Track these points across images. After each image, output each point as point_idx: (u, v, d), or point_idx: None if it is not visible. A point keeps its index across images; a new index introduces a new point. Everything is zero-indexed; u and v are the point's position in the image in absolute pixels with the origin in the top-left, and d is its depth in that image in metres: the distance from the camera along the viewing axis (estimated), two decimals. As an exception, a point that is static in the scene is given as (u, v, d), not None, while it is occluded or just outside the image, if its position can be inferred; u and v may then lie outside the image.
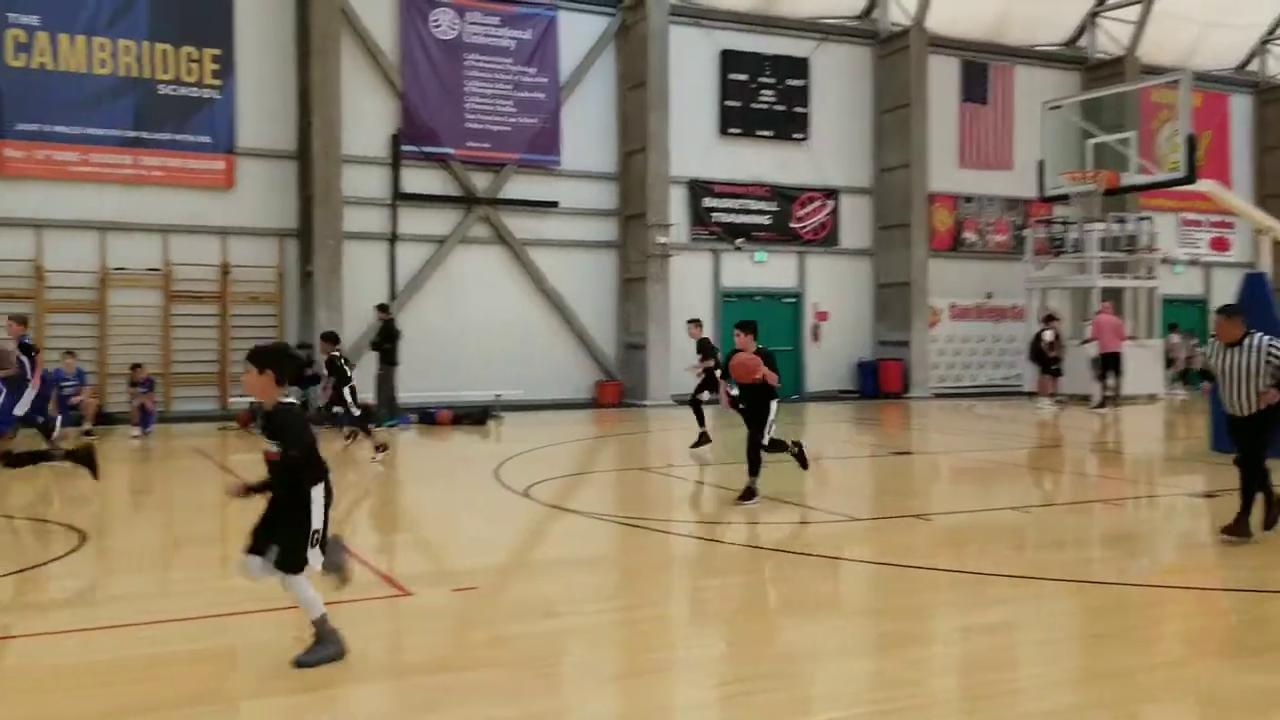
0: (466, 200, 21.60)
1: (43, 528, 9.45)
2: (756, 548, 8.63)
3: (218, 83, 19.80)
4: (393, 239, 21.01)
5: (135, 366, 17.43)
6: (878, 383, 24.94)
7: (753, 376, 9.97)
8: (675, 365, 22.21)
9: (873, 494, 12.14)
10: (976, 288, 26.68)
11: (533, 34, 22.29)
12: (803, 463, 10.87)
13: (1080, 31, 28.21)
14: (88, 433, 16.54)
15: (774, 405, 10.16)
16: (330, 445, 15.32)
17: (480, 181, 21.72)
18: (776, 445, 10.34)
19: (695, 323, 15.31)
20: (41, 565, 7.92)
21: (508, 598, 7.20)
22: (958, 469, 14.00)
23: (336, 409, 14.14)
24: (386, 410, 18.13)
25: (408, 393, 19.18)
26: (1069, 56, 28.08)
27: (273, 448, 5.31)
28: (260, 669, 5.59)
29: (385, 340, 18.44)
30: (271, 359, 5.34)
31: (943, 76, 25.91)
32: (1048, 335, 21.76)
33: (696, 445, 14.08)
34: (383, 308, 18.91)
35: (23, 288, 18.29)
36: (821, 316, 25.28)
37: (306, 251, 19.83)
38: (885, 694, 5.18)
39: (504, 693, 5.09)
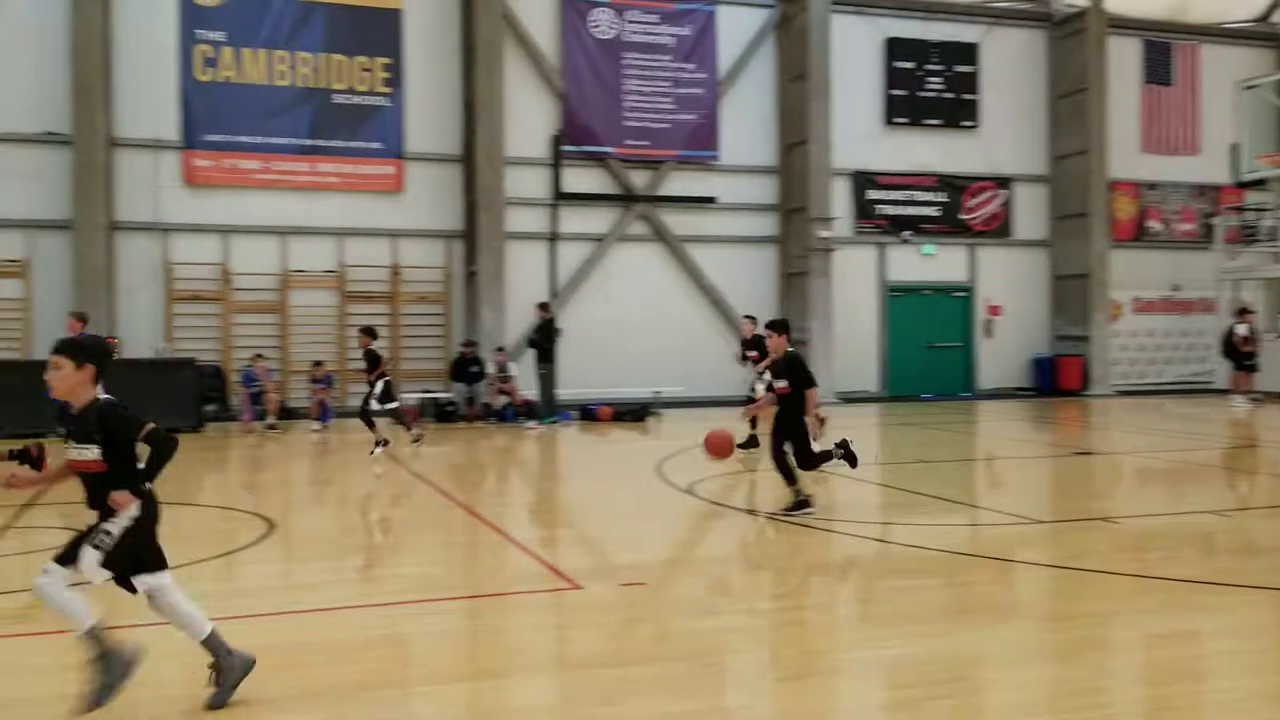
0: (625, 198, 21.72)
1: (234, 516, 9.90)
2: (927, 549, 8.30)
3: (388, 91, 20.49)
4: (553, 238, 21.31)
5: (316, 364, 18.24)
6: (1055, 380, 23.86)
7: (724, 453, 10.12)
8: (840, 362, 21.80)
9: (1052, 496, 11.55)
10: (1161, 279, 25.22)
11: (691, 30, 22.23)
12: (851, 460, 9.68)
13: (1273, 7, 26.27)
14: (271, 426, 17.39)
15: (811, 421, 9.48)
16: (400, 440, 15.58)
17: (639, 179, 21.80)
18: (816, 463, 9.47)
19: (751, 319, 15.32)
20: (234, 552, 8.28)
21: (675, 594, 7.12)
22: (1144, 470, 13.19)
23: (379, 404, 14.05)
24: (546, 407, 18.40)
25: (568, 390, 19.44)
26: (1262, 33, 26.20)
27: (88, 455, 4.54)
28: (431, 657, 5.71)
29: (544, 338, 18.71)
30: (93, 353, 4.67)
31: (1123, 58, 24.59)
32: (1241, 329, 20.40)
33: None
34: (543, 305, 19.19)
35: (211, 289, 19.36)
36: (995, 311, 24.34)
37: (471, 252, 20.30)
38: (1067, 703, 4.86)
39: (676, 688, 5.01)
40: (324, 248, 20.03)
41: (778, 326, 9.47)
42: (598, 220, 21.60)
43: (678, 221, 22.05)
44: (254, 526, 9.12)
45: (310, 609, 6.56)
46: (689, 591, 7.19)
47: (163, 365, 17.66)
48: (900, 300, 23.45)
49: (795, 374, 9.19)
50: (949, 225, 23.95)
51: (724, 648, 5.77)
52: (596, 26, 21.63)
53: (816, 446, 9.35)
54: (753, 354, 14.38)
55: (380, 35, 20.46)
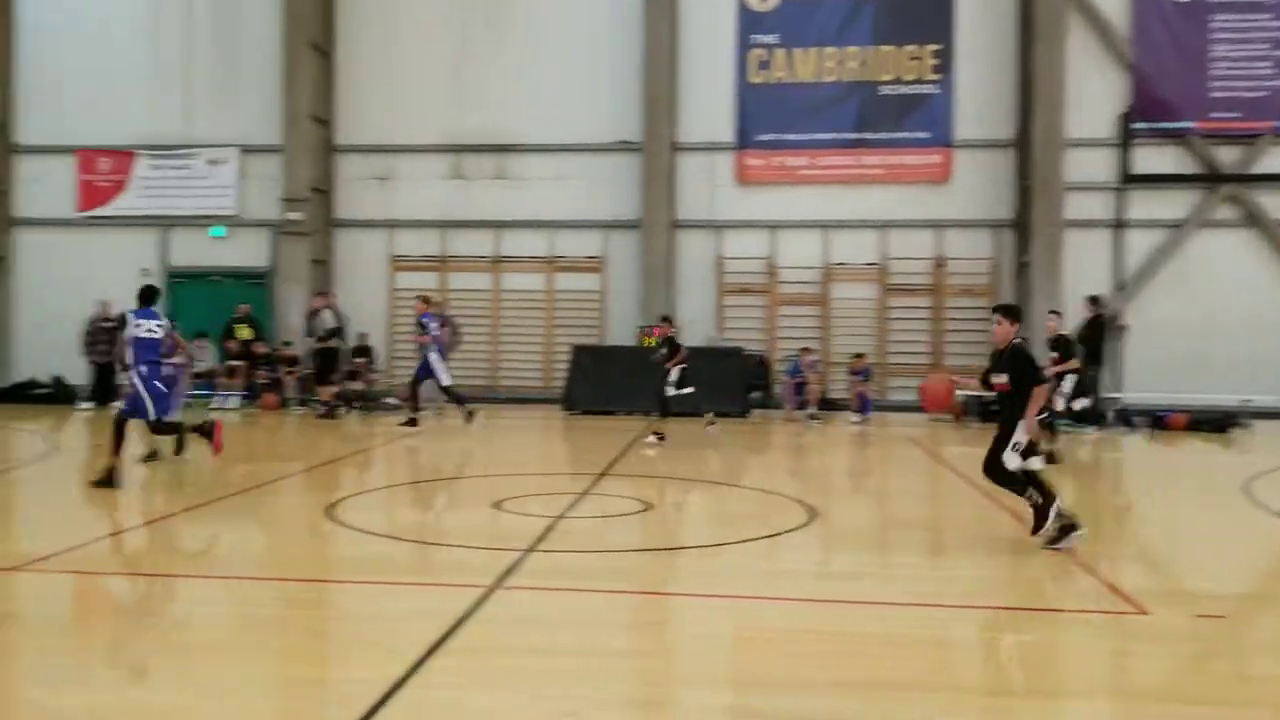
0: (1209, 178, 18.99)
1: (777, 501, 9.93)
2: None
3: (936, 78, 19.84)
4: (1118, 225, 19.23)
5: (856, 356, 18.15)
6: None
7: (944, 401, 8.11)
8: None
9: None
10: None
11: (1299, -20, 18.89)
12: (1037, 522, 7.53)
13: None
14: (813, 416, 17.57)
15: (1022, 424, 7.52)
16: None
17: (1226, 156, 18.95)
18: (1006, 479, 7.61)
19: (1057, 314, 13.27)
20: (777, 535, 8.24)
21: (1261, 633, 5.99)
22: None
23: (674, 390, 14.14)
24: (1095, 413, 16.57)
25: (1133, 394, 17.43)
26: None
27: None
28: (975, 665, 5.39)
29: (1094, 336, 16.91)
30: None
31: None
32: None
33: None
34: (1094, 300, 17.42)
35: (758, 283, 20.08)
36: None
37: (1023, 242, 19.00)
38: None
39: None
40: (866, 240, 19.89)
41: (1007, 312, 7.88)
42: (1173, 204, 19.11)
43: (1277, 204, 18.85)
44: (796, 512, 9.04)
45: (848, 599, 6.39)
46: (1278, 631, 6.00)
47: (714, 353, 18.65)
48: None
49: (1020, 367, 7.61)
50: None
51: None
52: (1177, -12, 19.16)
53: (1016, 463, 7.50)
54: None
55: (931, 21, 19.87)
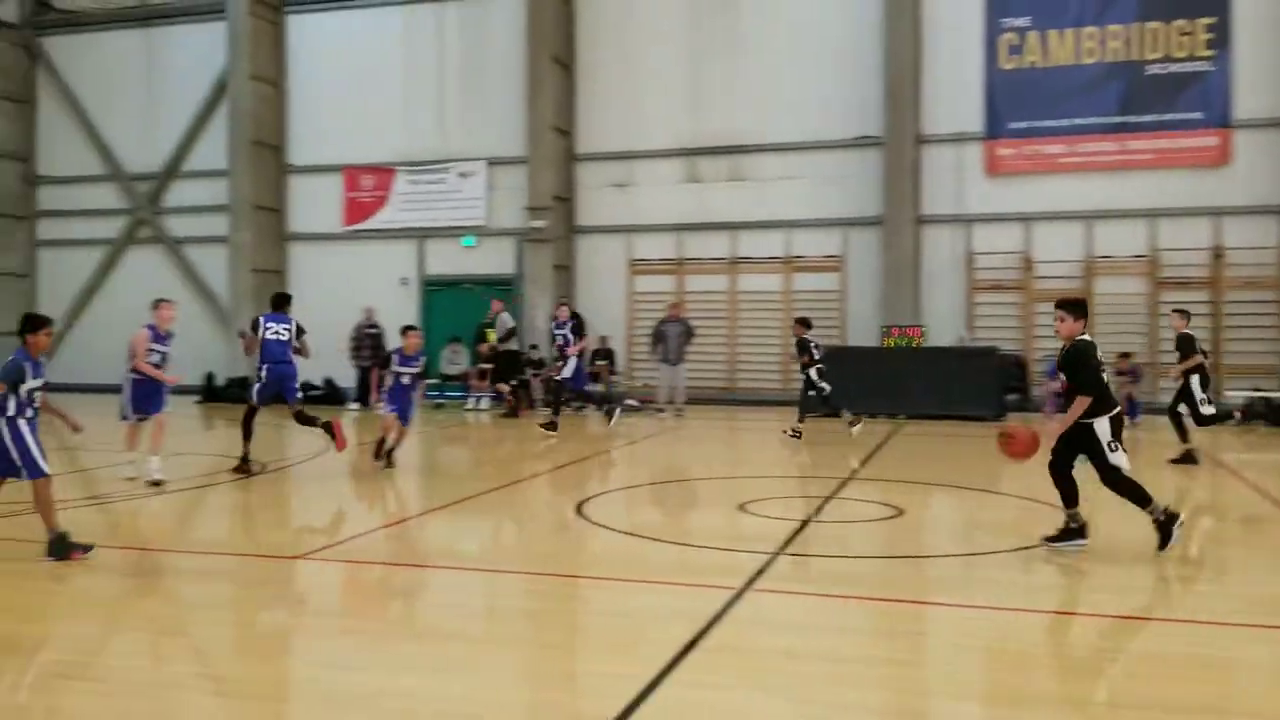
0: None
1: (1034, 508, 9.31)
2: None
3: (1210, 53, 18.23)
4: None
5: (1122, 355, 16.85)
6: None
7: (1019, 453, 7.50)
8: None
9: None
10: None
11: None
12: (1163, 538, 7.06)
13: None
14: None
15: (1103, 425, 7.08)
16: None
17: None
18: (1128, 486, 7.17)
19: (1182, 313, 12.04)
20: (1029, 548, 7.67)
21: None
22: None
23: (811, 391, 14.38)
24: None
25: None
26: None
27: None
28: (1255, 688, 4.85)
29: None
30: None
31: None
32: None
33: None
34: None
35: (1012, 279, 19.04)
36: None
37: (1317, 228, 17.12)
38: None
39: None
40: (1132, 231, 18.48)
41: (1070, 307, 7.41)
42: None
43: None
44: (1057, 520, 8.38)
45: (1118, 615, 5.96)
46: None
47: (965, 353, 17.81)
48: None
49: (1074, 368, 7.17)
50: None
51: None
52: None
53: (1123, 460, 7.11)
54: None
55: (1203, -8, 18.26)
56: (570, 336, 15.42)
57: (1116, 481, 7.19)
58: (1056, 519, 8.51)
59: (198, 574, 6.98)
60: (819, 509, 8.88)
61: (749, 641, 5.37)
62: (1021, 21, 19.19)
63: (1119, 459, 7.10)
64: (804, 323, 15.07)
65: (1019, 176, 19.14)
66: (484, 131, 21.67)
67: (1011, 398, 17.86)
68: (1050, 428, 7.30)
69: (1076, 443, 7.27)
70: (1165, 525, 7.07)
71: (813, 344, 14.67)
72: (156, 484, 9.89)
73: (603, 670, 5.00)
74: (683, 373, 18.28)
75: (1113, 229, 18.57)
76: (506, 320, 19.30)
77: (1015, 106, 19.17)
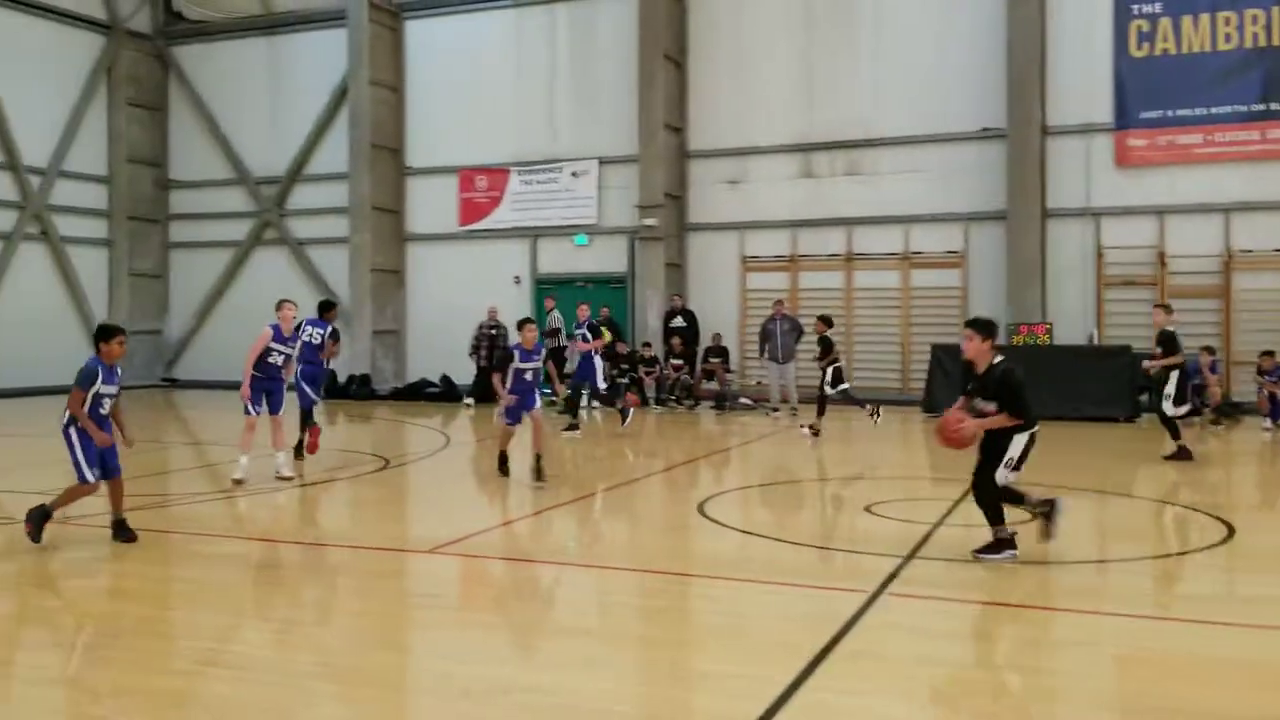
0: None
1: (1180, 514, 8.88)
2: None
3: (1360, 34, 17.14)
4: None
5: (1264, 354, 15.95)
6: None
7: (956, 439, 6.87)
8: None
9: None
10: None
11: None
12: (1045, 529, 6.92)
13: None
14: (1215, 422, 15.72)
15: (1019, 439, 6.82)
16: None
17: None
18: (1011, 496, 6.95)
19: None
20: (1184, 554, 7.33)
21: None
22: None
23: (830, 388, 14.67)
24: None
25: None
26: None
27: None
28: None
29: None
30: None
31: None
32: None
33: None
34: None
35: (1144, 274, 18.24)
36: None
37: None
38: None
39: None
40: (1274, 224, 17.51)
41: (978, 326, 7.00)
42: None
43: None
44: (1209, 529, 7.98)
45: (1260, 625, 5.61)
46: None
47: (1095, 352, 17.14)
48: None
49: (1005, 396, 6.81)
50: None
51: None
52: None
53: (1005, 477, 6.85)
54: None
55: (1355, -31, 17.20)
56: (588, 335, 15.55)
57: (984, 495, 6.96)
58: (1202, 525, 8.12)
59: (323, 568, 7.10)
60: (949, 512, 8.58)
61: (883, 647, 5.23)
62: (1154, 8, 18.37)
63: (1007, 478, 6.88)
64: (826, 321, 15.37)
65: (1151, 168, 18.33)
66: (595, 130, 21.72)
67: (1144, 398, 17.06)
68: (970, 423, 6.84)
69: (986, 447, 6.96)
70: (1048, 514, 6.89)
71: (831, 342, 15.09)
72: (238, 482, 9.94)
73: (738, 672, 4.88)
74: (792, 371, 17.99)
75: (1253, 221, 17.63)
76: (556, 319, 19.42)
77: (1147, 95, 18.35)
